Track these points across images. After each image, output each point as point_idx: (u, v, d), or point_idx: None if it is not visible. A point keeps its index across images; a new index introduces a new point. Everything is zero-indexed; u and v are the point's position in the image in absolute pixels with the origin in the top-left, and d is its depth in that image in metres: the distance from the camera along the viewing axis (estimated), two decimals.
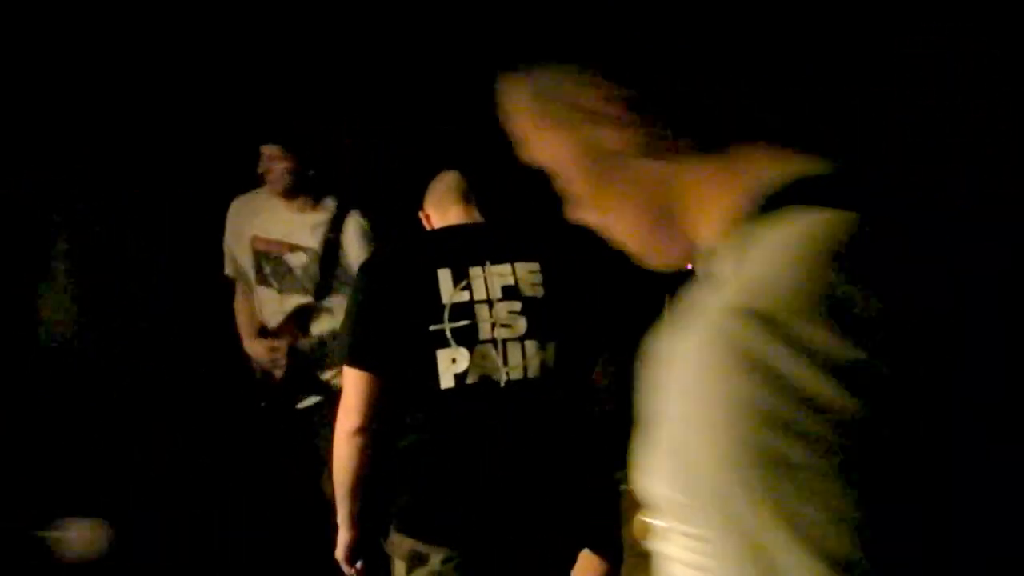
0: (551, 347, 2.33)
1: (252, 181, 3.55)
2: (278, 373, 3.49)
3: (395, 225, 3.39)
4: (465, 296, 2.31)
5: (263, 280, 3.48)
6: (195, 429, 4.21)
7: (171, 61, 4.22)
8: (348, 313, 2.44)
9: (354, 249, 3.37)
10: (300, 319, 3.44)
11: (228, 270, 3.65)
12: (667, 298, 4.87)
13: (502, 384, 2.29)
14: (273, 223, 3.46)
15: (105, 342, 4.22)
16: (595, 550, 2.40)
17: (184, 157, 4.30)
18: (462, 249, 2.38)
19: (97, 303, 4.18)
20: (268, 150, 3.39)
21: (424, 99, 4.61)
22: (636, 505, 1.04)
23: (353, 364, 2.33)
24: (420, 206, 2.63)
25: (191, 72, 4.25)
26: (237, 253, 3.55)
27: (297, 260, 3.41)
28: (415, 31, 4.55)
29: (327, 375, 3.40)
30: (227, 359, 3.77)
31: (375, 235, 3.40)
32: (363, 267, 2.49)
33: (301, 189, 3.41)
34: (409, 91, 4.61)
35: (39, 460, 3.88)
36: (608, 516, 2.48)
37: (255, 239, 3.48)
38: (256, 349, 3.55)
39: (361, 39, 4.50)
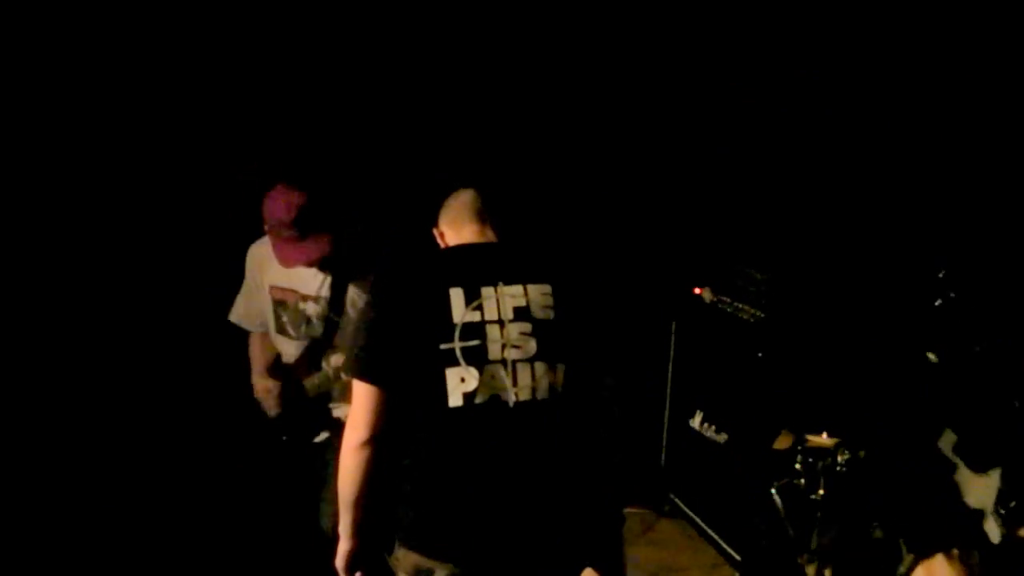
0: (560, 369, 2.35)
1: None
2: (270, 412, 3.51)
3: (408, 242, 3.43)
4: (476, 316, 2.32)
5: (281, 329, 3.48)
6: (210, 435, 4.23)
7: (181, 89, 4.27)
8: (359, 326, 2.46)
9: (355, 300, 3.33)
10: (312, 355, 3.46)
11: (233, 317, 3.63)
12: (674, 324, 4.90)
13: (511, 404, 2.30)
14: (285, 272, 3.40)
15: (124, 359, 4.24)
16: (598, 570, 2.41)
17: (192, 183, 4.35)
18: (475, 268, 2.40)
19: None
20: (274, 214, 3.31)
21: (440, 118, 4.63)
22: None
23: (362, 377, 2.35)
24: (434, 223, 2.66)
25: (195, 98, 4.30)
26: (258, 300, 3.53)
27: (312, 309, 3.41)
28: (431, 52, 4.58)
29: (336, 411, 3.42)
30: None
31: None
32: (376, 282, 2.51)
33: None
34: (425, 111, 4.64)
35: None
36: (612, 536, 2.49)
37: (272, 288, 3.46)
38: (256, 385, 3.57)
39: (378, 59, 4.53)
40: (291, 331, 3.45)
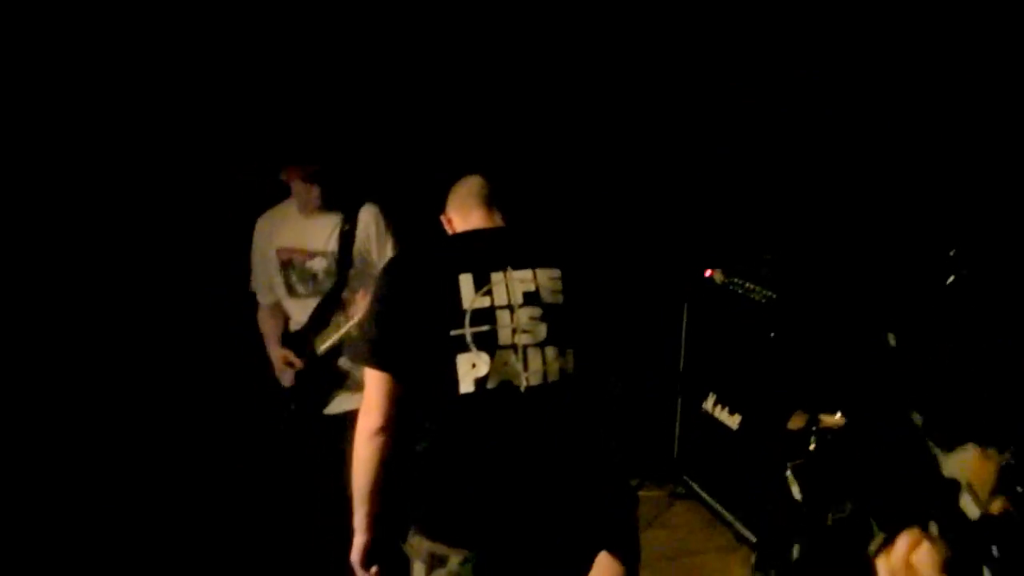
0: (570, 353, 2.34)
1: (269, 194, 3.65)
2: (285, 381, 3.60)
3: (416, 229, 3.45)
4: (486, 301, 2.32)
5: (291, 290, 3.55)
6: (222, 432, 4.23)
7: (187, 78, 4.27)
8: (369, 314, 2.46)
9: (368, 232, 3.45)
10: (323, 312, 3.51)
11: (253, 285, 3.71)
12: (685, 306, 4.89)
13: (522, 389, 2.30)
14: (292, 232, 3.52)
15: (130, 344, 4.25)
16: (612, 552, 2.40)
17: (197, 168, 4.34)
18: (484, 254, 2.40)
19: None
20: (292, 179, 3.50)
21: (447, 104, 4.63)
22: None
23: (374, 365, 2.35)
24: (442, 209, 2.65)
25: (201, 85, 4.30)
26: (265, 268, 3.60)
27: (319, 265, 3.49)
28: (438, 38, 4.57)
29: (345, 365, 3.46)
30: (254, 365, 3.82)
31: (394, 223, 3.50)
32: (385, 269, 2.51)
33: (326, 206, 3.50)
34: (432, 96, 4.64)
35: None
36: (626, 519, 2.49)
37: (279, 250, 3.54)
38: (273, 354, 3.66)
39: (383, 44, 4.52)
40: (300, 289, 3.52)
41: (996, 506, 1.19)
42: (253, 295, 3.72)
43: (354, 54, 4.54)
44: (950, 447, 2.70)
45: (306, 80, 4.44)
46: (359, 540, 2.50)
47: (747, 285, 4.49)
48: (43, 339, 4.15)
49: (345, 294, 3.46)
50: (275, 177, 3.50)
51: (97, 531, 3.90)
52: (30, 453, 3.98)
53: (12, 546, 3.70)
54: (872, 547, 1.48)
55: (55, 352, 4.16)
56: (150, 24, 4.21)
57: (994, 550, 1.17)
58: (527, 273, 2.36)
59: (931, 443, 2.89)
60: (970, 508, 1.16)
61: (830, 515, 3.34)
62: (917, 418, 3.06)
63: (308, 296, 3.53)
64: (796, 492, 3.38)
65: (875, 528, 2.37)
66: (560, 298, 2.36)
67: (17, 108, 4.07)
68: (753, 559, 4.08)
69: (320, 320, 3.51)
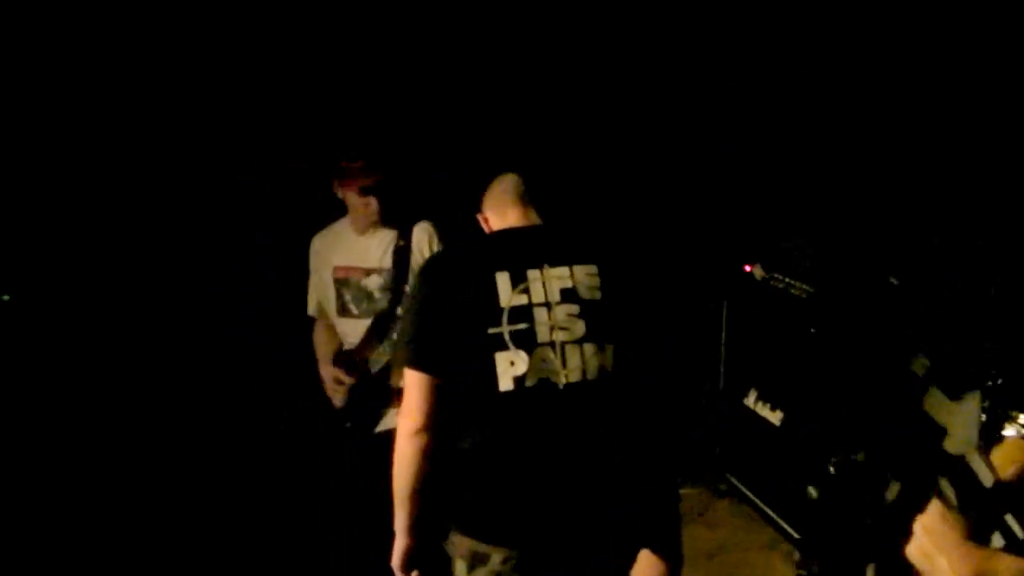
0: (609, 350, 2.33)
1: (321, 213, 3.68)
2: (337, 401, 3.57)
3: (455, 229, 3.45)
4: (523, 299, 2.31)
5: (343, 310, 3.55)
6: (277, 450, 4.24)
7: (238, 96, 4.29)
8: (407, 315, 2.47)
9: (422, 249, 3.45)
10: (378, 330, 3.50)
11: (311, 310, 3.71)
12: (725, 302, 4.86)
13: (561, 387, 2.29)
14: (348, 250, 3.53)
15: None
16: (654, 551, 2.39)
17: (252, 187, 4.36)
18: (520, 252, 2.39)
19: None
20: (347, 193, 3.47)
21: (482, 103, 4.63)
22: None
23: (413, 366, 2.36)
24: (478, 209, 2.65)
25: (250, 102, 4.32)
26: (320, 287, 3.62)
27: (374, 283, 3.49)
28: (474, 37, 4.57)
29: (401, 383, 3.46)
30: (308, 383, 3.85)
31: (442, 237, 3.49)
32: (422, 270, 2.51)
33: (384, 221, 3.49)
34: (466, 95, 4.64)
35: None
36: (668, 517, 2.48)
37: (335, 269, 3.54)
38: (324, 373, 3.62)
39: (420, 47, 4.53)
40: (353, 309, 3.52)
41: (1011, 472, 1.18)
42: (253, 295, 3.74)
43: (402, 69, 4.55)
44: (956, 396, 2.67)
45: (357, 93, 4.45)
46: (400, 544, 2.49)
47: (787, 280, 4.45)
48: (51, 341, 4.16)
49: (399, 312, 3.43)
50: (303, 176, 3.50)
51: (104, 532, 3.91)
52: (45, 456, 3.99)
53: (13, 546, 3.71)
54: (890, 496, 1.48)
55: (62, 355, 4.18)
56: (150, 24, 4.23)
57: (1008, 519, 1.15)
58: (564, 270, 2.35)
59: (937, 390, 2.86)
60: (983, 472, 1.15)
61: (834, 461, 3.31)
62: (921, 365, 3.04)
63: (361, 316, 3.52)
64: (812, 492, 3.35)
65: (890, 477, 2.35)
66: (598, 294, 2.35)
67: (17, 108, 4.10)
68: (796, 555, 4.06)
69: (374, 338, 3.50)
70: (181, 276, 4.36)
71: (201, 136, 4.36)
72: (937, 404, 2.83)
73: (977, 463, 1.13)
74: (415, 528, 2.46)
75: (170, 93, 4.34)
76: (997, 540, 1.17)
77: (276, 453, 4.22)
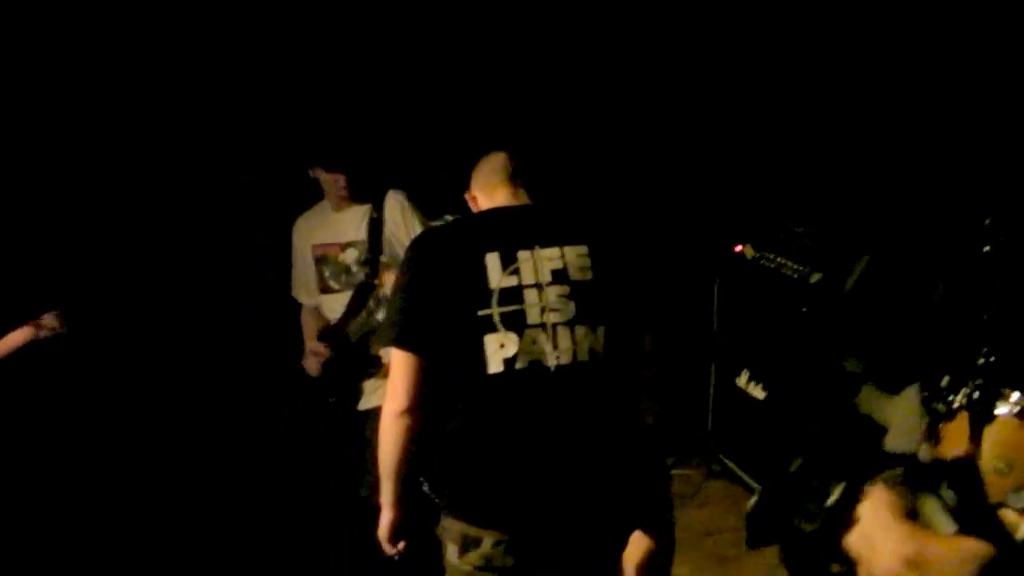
0: (600, 331, 2.31)
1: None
2: (312, 371, 3.65)
3: (440, 208, 3.46)
4: (514, 280, 2.29)
5: (325, 287, 3.65)
6: (277, 449, 4.23)
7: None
8: (394, 295, 2.44)
9: (395, 219, 3.56)
10: (357, 302, 3.58)
11: (294, 292, 3.81)
12: (716, 282, 4.84)
13: (552, 368, 2.27)
14: (326, 228, 3.64)
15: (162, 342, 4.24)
16: (647, 532, 2.38)
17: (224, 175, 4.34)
18: (510, 232, 2.37)
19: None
20: (318, 173, 3.59)
21: (467, 81, 4.61)
22: None
23: (400, 346, 2.33)
24: (466, 188, 2.62)
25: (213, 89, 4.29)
26: (303, 268, 3.71)
27: (351, 256, 3.59)
28: (459, 18, 4.55)
29: (379, 350, 3.52)
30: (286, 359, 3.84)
31: (419, 208, 3.59)
32: (409, 249, 2.48)
33: (355, 196, 3.59)
34: (451, 74, 4.62)
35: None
36: (659, 498, 2.46)
37: (315, 247, 3.65)
38: (306, 346, 3.71)
39: (400, 29, 4.51)
40: (333, 285, 3.61)
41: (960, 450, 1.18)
42: (253, 295, 3.75)
43: (369, 39, 4.52)
44: (896, 390, 2.67)
45: (322, 71, 4.43)
46: (386, 516, 2.50)
47: (778, 260, 4.44)
48: (50, 341, 4.12)
49: (376, 281, 3.51)
50: (301, 174, 3.56)
51: (104, 531, 3.89)
52: (44, 455, 3.94)
53: (13, 546, 3.69)
54: (831, 500, 1.47)
55: (61, 354, 4.14)
56: (150, 24, 4.21)
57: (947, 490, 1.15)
58: (555, 251, 2.33)
59: (872, 388, 2.86)
60: (925, 453, 1.15)
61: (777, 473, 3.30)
62: (853, 365, 3.05)
63: (342, 290, 3.60)
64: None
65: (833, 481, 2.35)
66: (589, 275, 2.33)
67: (17, 108, 4.07)
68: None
69: (355, 310, 3.57)
70: (181, 276, 4.34)
71: (201, 136, 4.34)
72: (873, 401, 2.84)
73: (923, 446, 1.13)
74: (400, 502, 2.47)
75: (170, 93, 4.32)
76: (939, 518, 1.17)
77: (276, 453, 4.20)
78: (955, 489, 1.20)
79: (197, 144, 4.35)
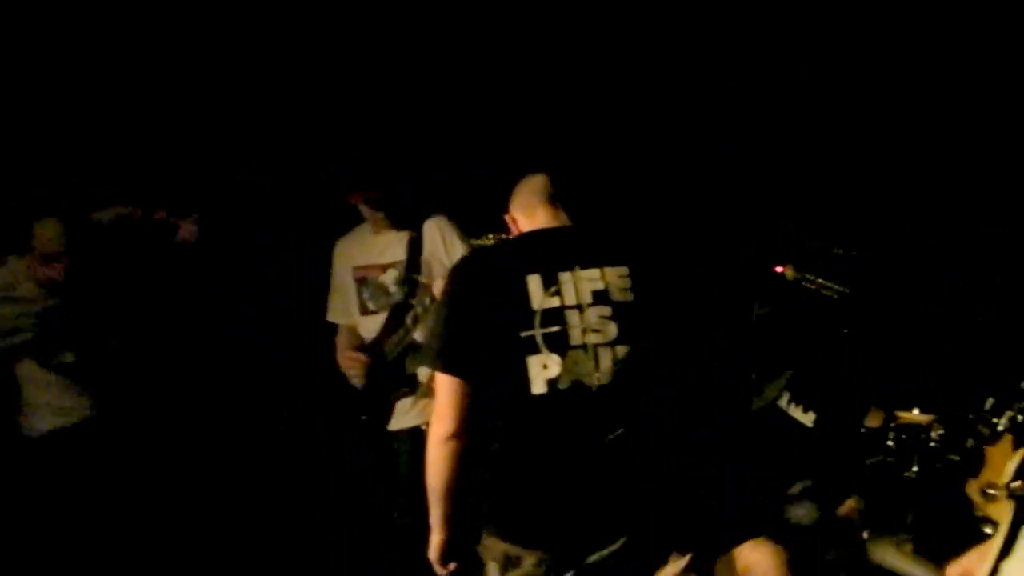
0: (642, 352, 2.32)
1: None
2: (356, 382, 3.68)
3: (480, 229, 3.49)
4: (555, 302, 2.31)
5: (364, 309, 3.69)
6: (277, 450, 4.24)
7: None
8: (437, 319, 2.46)
9: (434, 238, 3.60)
10: (394, 321, 3.60)
11: (330, 316, 3.83)
12: (756, 304, 4.82)
13: (594, 389, 2.28)
14: (367, 250, 3.69)
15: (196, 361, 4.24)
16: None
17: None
18: (551, 254, 2.38)
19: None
20: (356, 198, 3.64)
21: (510, 103, 4.62)
22: None
23: (444, 370, 2.35)
24: (505, 210, 2.64)
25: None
26: (342, 290, 3.75)
27: (390, 278, 3.63)
28: (504, 39, 4.56)
29: (415, 369, 3.53)
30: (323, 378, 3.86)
31: (459, 231, 3.63)
32: (451, 272, 2.51)
33: (396, 221, 3.64)
34: (494, 96, 4.63)
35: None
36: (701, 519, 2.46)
37: (355, 268, 3.69)
38: (341, 359, 3.74)
39: (446, 47, 4.52)
40: (371, 306, 3.65)
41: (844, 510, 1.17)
42: (253, 295, 3.78)
43: (410, 67, 4.54)
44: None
45: (360, 99, 4.45)
46: (436, 538, 2.50)
47: (819, 281, 4.42)
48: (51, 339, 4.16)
49: (414, 300, 3.53)
50: (343, 201, 3.61)
51: (104, 531, 3.83)
52: (44, 455, 3.91)
53: (13, 546, 3.70)
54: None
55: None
56: (151, 23, 4.23)
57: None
58: (595, 272, 2.34)
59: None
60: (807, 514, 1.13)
61: (909, 515, 3.29)
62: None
63: (379, 311, 3.64)
64: None
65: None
66: (629, 296, 2.34)
67: (17, 108, 4.09)
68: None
69: (391, 329, 3.59)
70: (181, 276, 4.35)
71: (201, 136, 4.36)
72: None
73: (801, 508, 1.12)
74: (450, 523, 2.47)
75: (171, 93, 4.33)
76: None
77: (276, 453, 4.21)
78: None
79: (197, 144, 4.36)
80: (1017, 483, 1.43)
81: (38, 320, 3.65)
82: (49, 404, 3.69)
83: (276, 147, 4.44)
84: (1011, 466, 1.49)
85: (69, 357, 3.68)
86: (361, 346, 3.68)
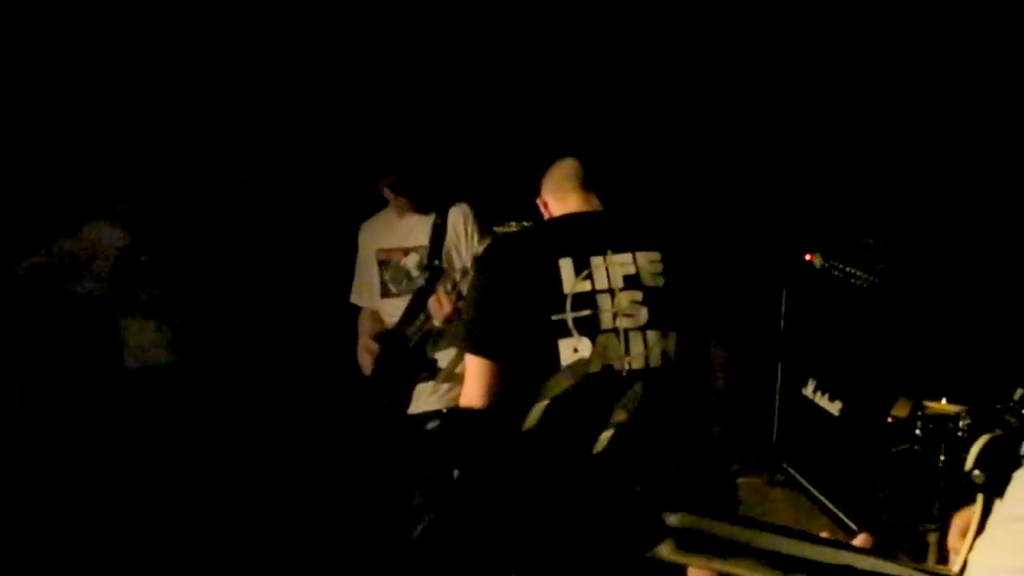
0: (672, 337, 2.32)
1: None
2: (365, 369, 3.71)
3: (505, 215, 3.51)
4: (587, 286, 2.31)
5: (385, 291, 3.71)
6: (277, 450, 4.25)
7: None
8: (469, 301, 2.47)
9: (457, 228, 3.61)
10: (416, 306, 3.62)
11: (353, 297, 3.86)
12: (785, 290, 4.82)
13: (624, 374, 2.29)
14: (390, 233, 3.70)
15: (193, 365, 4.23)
16: None
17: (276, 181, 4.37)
18: (583, 238, 2.38)
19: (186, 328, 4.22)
20: (383, 191, 3.66)
21: (543, 87, 4.61)
22: None
23: (475, 352, 2.36)
24: (537, 194, 2.64)
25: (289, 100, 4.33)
26: (365, 272, 3.78)
27: (412, 261, 3.65)
28: (537, 27, 4.56)
29: (436, 354, 3.54)
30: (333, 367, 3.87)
31: (482, 220, 3.65)
32: (484, 255, 2.51)
33: (420, 205, 3.66)
34: (526, 80, 4.63)
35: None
36: (726, 505, 2.46)
37: (378, 251, 3.71)
38: (360, 345, 3.77)
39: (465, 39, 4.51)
40: (393, 289, 3.67)
41: None
42: (253, 295, 3.79)
43: (435, 54, 4.54)
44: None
45: (383, 85, 4.45)
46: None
47: (847, 269, 4.40)
48: (49, 340, 4.19)
49: (435, 286, 3.54)
50: (369, 185, 3.63)
51: (104, 531, 3.87)
52: (44, 455, 3.97)
53: (12, 546, 3.70)
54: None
55: (61, 353, 4.19)
56: (151, 23, 4.25)
57: None
58: (627, 256, 2.35)
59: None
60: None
61: (936, 505, 3.28)
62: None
63: (401, 295, 3.66)
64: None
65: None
66: (661, 281, 2.34)
67: (17, 108, 4.11)
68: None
69: (413, 314, 3.61)
70: (181, 276, 4.34)
71: (201, 136, 4.36)
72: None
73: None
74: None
75: (171, 93, 4.34)
76: None
77: (276, 453, 4.22)
78: None
79: (197, 144, 4.37)
80: (976, 472, 1.44)
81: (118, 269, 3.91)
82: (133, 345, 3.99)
83: (276, 147, 4.45)
84: (973, 451, 1.50)
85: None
86: (383, 331, 3.70)
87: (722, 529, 1.07)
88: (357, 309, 3.85)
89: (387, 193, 3.65)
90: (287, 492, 4.11)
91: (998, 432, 1.53)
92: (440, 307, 3.37)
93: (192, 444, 4.06)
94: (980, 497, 1.43)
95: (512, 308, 2.33)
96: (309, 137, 4.46)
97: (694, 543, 1.06)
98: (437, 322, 3.42)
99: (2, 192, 4.15)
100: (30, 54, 4.15)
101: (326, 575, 3.90)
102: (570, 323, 2.28)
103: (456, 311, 3.30)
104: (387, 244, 3.70)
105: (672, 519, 1.06)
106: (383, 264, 3.69)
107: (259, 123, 4.43)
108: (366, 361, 3.70)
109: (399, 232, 3.68)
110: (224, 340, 4.14)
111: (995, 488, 1.37)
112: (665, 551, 1.07)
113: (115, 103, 4.31)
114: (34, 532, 3.77)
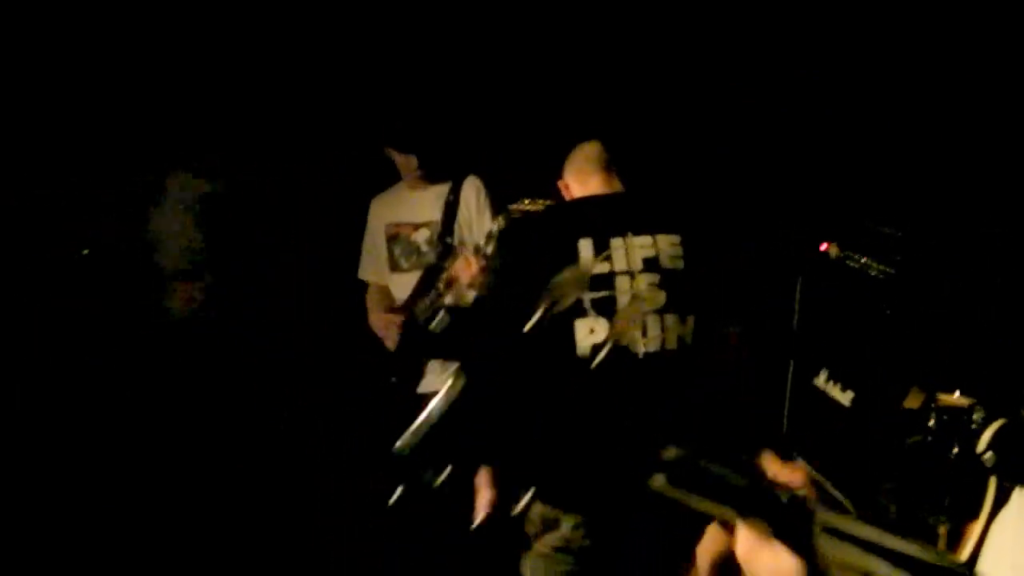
0: (690, 320, 2.32)
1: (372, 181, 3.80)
2: (389, 344, 3.67)
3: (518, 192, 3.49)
4: (606, 267, 2.31)
5: (395, 266, 3.69)
6: (277, 450, 4.26)
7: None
8: (487, 279, 2.48)
9: (469, 204, 3.58)
10: (426, 283, 3.60)
11: (362, 272, 3.84)
12: (799, 280, 4.80)
13: (640, 355, 2.29)
14: (401, 207, 3.68)
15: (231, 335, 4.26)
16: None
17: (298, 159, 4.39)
18: (603, 220, 2.39)
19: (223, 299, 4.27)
20: (391, 153, 3.64)
21: (565, 72, 4.60)
22: None
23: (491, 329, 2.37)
24: (559, 175, 2.64)
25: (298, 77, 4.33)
26: (374, 246, 3.75)
27: (422, 236, 3.63)
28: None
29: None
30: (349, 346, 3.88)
31: (494, 197, 3.58)
32: (503, 233, 2.52)
33: (430, 177, 3.61)
34: (549, 66, 4.62)
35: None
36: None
37: (388, 225, 3.69)
38: (375, 321, 3.74)
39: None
40: (403, 264, 3.66)
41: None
42: (253, 295, 3.79)
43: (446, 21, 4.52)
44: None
45: (396, 49, 4.43)
46: (484, 496, 2.53)
47: (863, 260, 4.38)
48: (50, 340, 4.17)
49: (446, 263, 3.52)
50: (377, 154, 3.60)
51: (104, 531, 3.88)
52: (44, 455, 3.96)
53: (12, 546, 3.72)
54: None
55: (61, 353, 4.17)
56: (151, 22, 4.24)
57: None
58: (647, 239, 2.35)
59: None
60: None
61: (947, 497, 3.28)
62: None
63: (410, 270, 3.64)
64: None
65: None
66: (680, 264, 2.34)
67: (17, 107, 4.11)
68: None
69: (423, 291, 3.59)
70: (180, 276, 4.35)
71: (201, 136, 4.36)
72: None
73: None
74: (496, 482, 2.49)
75: (171, 92, 4.33)
76: None
77: (276, 453, 4.23)
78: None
79: (197, 144, 4.37)
80: (988, 455, 1.45)
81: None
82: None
83: (276, 147, 4.44)
84: (987, 434, 1.50)
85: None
86: (392, 307, 3.69)
87: (716, 469, 1.07)
88: (357, 309, 3.84)
89: (397, 157, 3.61)
90: (287, 492, 4.12)
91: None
92: (468, 267, 3.34)
93: (192, 444, 4.07)
94: (992, 481, 1.43)
95: (529, 287, 2.32)
96: (309, 137, 4.46)
97: (687, 480, 1.07)
98: (464, 282, 3.36)
99: (2, 192, 4.15)
100: (30, 54, 4.15)
101: (326, 575, 3.92)
102: (587, 303, 2.29)
103: (482, 272, 3.28)
104: (396, 219, 3.68)
105: (668, 453, 1.07)
106: (392, 239, 3.68)
107: (259, 123, 4.42)
108: (392, 334, 3.65)
109: (409, 206, 3.66)
110: (224, 340, 4.16)
111: (1006, 471, 1.37)
112: (658, 482, 1.07)
113: (115, 103, 4.29)
114: (34, 532, 3.79)
